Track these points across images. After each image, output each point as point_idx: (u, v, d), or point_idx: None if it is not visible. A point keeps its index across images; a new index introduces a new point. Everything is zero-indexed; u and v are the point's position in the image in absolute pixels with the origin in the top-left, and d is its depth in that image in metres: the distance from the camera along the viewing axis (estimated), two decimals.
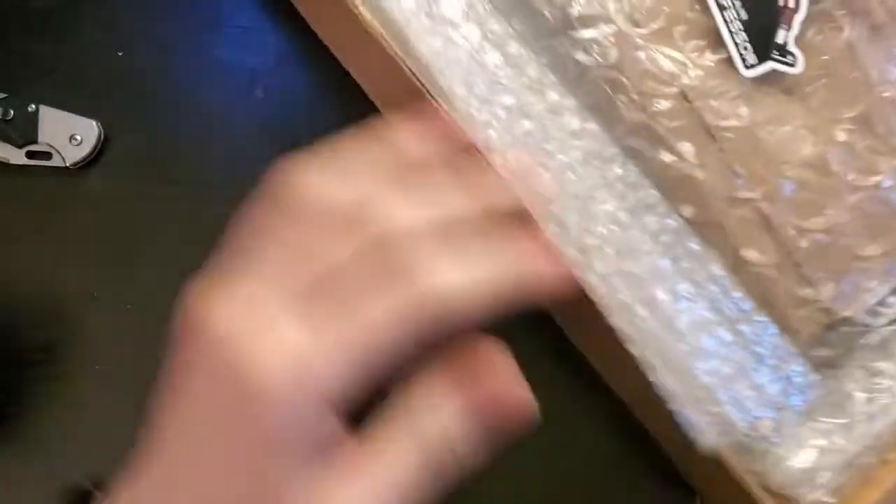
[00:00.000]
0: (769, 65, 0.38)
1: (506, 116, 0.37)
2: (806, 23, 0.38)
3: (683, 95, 0.38)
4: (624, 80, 0.38)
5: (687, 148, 0.37)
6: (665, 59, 0.38)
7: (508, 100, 0.36)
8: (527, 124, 0.37)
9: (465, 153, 0.30)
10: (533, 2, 0.38)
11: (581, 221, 0.36)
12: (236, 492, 0.24)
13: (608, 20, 0.38)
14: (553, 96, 0.37)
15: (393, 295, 0.23)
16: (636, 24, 0.38)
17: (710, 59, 0.38)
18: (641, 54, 0.38)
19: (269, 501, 0.24)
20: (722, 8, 0.38)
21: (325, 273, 0.24)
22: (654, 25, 0.38)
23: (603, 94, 0.38)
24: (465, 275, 0.23)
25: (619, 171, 0.37)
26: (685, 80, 0.38)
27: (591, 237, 0.35)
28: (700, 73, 0.38)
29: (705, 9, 0.38)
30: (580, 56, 0.38)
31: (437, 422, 0.25)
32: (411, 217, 0.24)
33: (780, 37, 0.38)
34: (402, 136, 0.28)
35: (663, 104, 0.37)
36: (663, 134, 0.37)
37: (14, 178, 0.49)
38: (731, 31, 0.38)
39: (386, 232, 0.24)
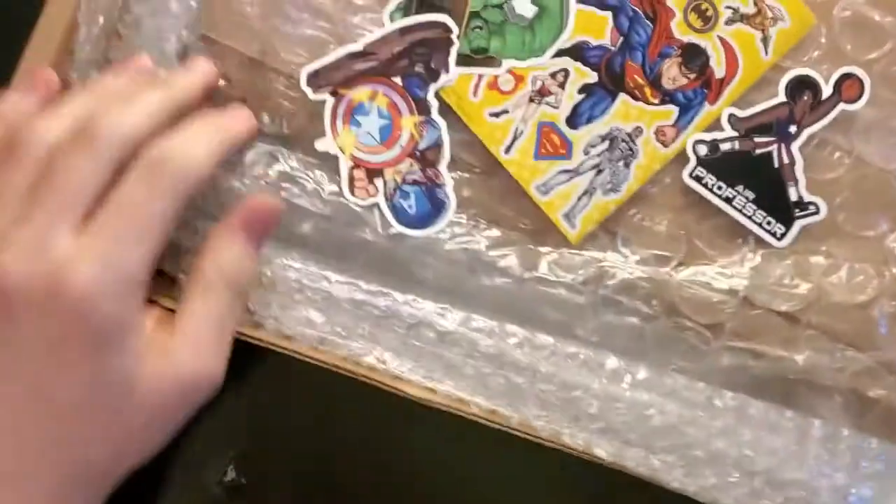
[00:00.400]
0: (797, 225, 0.38)
1: (598, 408, 0.38)
2: (807, 165, 0.38)
3: (747, 301, 0.38)
4: (686, 321, 0.38)
5: (775, 346, 0.38)
6: (709, 278, 0.38)
7: (593, 408, 0.37)
8: (618, 407, 0.38)
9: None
10: (557, 296, 0.38)
11: (731, 473, 0.36)
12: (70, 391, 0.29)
13: (639, 273, 0.38)
14: (626, 372, 0.38)
15: (151, 184, 0.30)
16: (665, 263, 0.38)
17: (745, 252, 0.38)
18: (687, 287, 0.38)
19: (109, 388, 0.30)
20: (729, 200, 0.38)
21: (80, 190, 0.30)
22: (681, 253, 0.38)
23: (672, 342, 0.38)
24: (199, 146, 0.32)
25: (719, 403, 0.38)
26: (739, 288, 0.38)
27: (746, 486, 0.36)
28: (745, 270, 0.38)
29: (714, 209, 0.38)
30: (633, 320, 0.38)
31: (222, 249, 0.33)
32: (137, 120, 0.31)
33: (793, 193, 0.38)
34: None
35: (733, 319, 0.38)
36: (748, 346, 0.38)
37: None
38: (748, 216, 0.38)
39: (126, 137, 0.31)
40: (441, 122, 0.38)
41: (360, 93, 0.37)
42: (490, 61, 0.38)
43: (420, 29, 0.37)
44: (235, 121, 0.35)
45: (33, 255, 0.29)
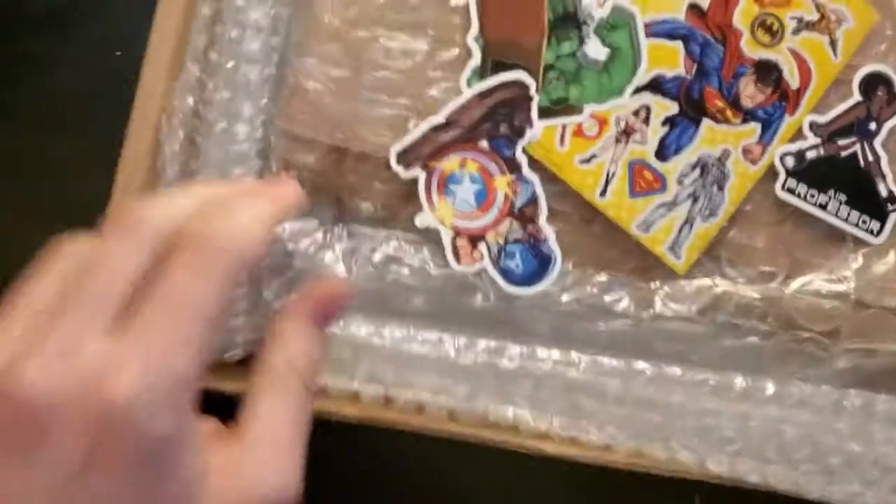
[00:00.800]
0: (892, 219, 0.39)
1: (734, 430, 0.38)
2: (891, 158, 0.39)
3: (859, 303, 0.39)
4: (803, 332, 0.39)
5: (892, 341, 0.39)
6: (817, 286, 0.39)
7: (729, 431, 0.38)
8: (752, 426, 0.38)
9: None
10: (676, 329, 0.39)
11: (871, 473, 0.37)
12: None
13: (750, 293, 0.39)
14: (755, 390, 0.38)
15: (197, 268, 0.25)
16: (772, 279, 0.39)
17: (846, 254, 0.39)
18: (799, 298, 0.39)
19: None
20: (823, 206, 0.39)
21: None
22: (785, 266, 0.39)
23: (792, 354, 0.39)
24: (245, 220, 0.26)
25: (846, 404, 0.38)
26: (848, 290, 0.39)
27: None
28: (850, 272, 0.39)
29: (809, 216, 0.39)
30: (753, 339, 0.39)
31: (292, 341, 0.29)
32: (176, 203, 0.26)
33: (882, 189, 0.39)
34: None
35: (848, 322, 0.39)
36: (866, 346, 0.39)
37: None
38: (843, 219, 0.39)
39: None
40: (534, 177, 0.38)
41: (449, 163, 0.37)
42: (572, 109, 0.38)
43: (498, 90, 0.37)
44: (281, 191, 0.29)
45: (62, 363, 0.23)
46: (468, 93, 0.37)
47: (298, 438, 0.28)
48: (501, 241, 0.38)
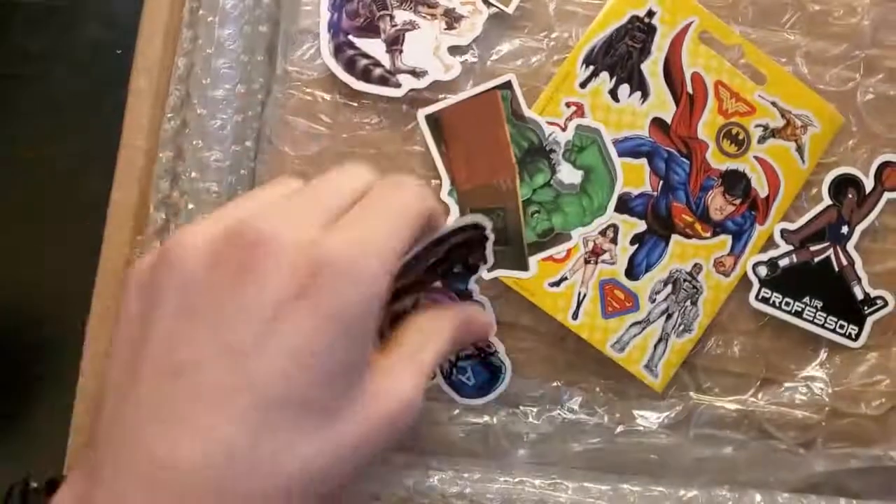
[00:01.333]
0: (869, 322, 0.39)
1: None
2: (865, 260, 0.39)
3: (834, 411, 0.38)
4: (778, 443, 0.38)
5: (870, 446, 0.38)
6: (793, 394, 0.39)
7: None
8: None
9: None
10: (652, 443, 0.39)
11: None
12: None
13: (724, 403, 0.39)
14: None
15: (395, 188, 0.30)
16: (747, 388, 0.39)
17: (823, 359, 0.39)
18: (774, 408, 0.38)
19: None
20: (798, 314, 0.39)
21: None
22: (761, 374, 0.39)
23: (767, 462, 0.39)
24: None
25: None
26: (824, 398, 0.38)
27: None
28: (827, 379, 0.39)
29: (785, 324, 0.39)
30: (727, 450, 0.39)
31: (443, 317, 0.33)
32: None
33: (858, 292, 0.39)
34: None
35: (823, 431, 0.38)
36: (842, 451, 0.38)
37: None
38: (819, 325, 0.39)
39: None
40: (485, 300, 0.37)
41: (401, 305, 0.37)
42: (560, 238, 0.38)
43: (455, 234, 0.37)
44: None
45: (286, 222, 0.27)
46: (423, 241, 0.37)
47: (431, 369, 0.30)
48: (453, 359, 0.38)
